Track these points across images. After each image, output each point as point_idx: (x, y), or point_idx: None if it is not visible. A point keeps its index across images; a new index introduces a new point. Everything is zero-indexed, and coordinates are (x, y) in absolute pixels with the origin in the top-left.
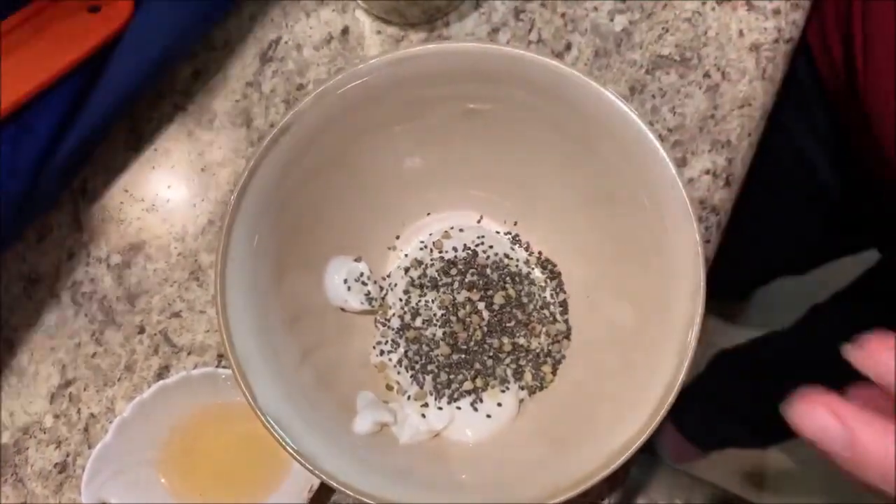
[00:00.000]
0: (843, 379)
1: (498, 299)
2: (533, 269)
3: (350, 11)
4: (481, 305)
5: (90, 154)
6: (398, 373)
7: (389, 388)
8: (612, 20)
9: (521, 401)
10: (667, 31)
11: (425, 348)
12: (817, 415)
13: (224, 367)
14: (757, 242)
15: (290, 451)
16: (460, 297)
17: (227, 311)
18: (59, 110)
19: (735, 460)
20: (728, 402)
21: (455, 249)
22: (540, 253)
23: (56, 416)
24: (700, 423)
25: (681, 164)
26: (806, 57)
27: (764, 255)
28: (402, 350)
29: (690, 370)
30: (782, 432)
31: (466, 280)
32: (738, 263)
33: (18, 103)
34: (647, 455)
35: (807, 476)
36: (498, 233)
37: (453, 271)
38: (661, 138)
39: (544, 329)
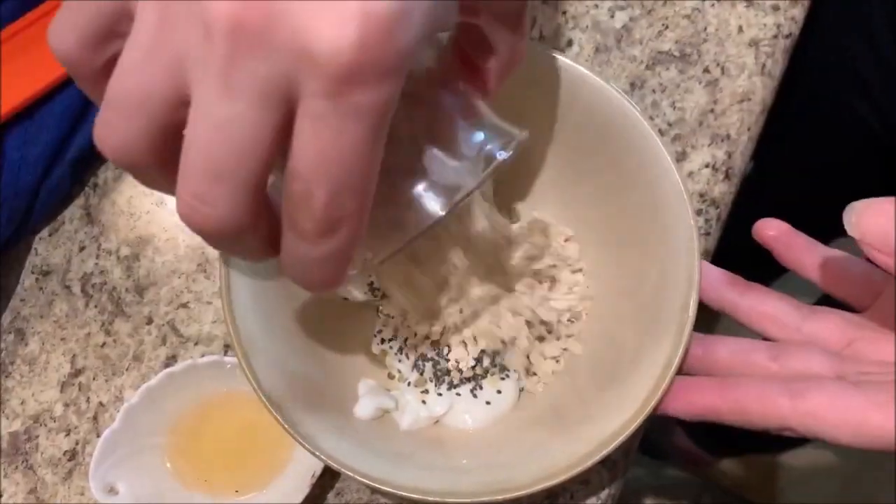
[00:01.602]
0: None
1: None
2: None
3: None
4: None
5: None
6: (399, 360)
7: (391, 376)
8: (612, 17)
9: (522, 389)
10: (666, 27)
11: None
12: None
13: (230, 356)
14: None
15: (292, 433)
16: None
17: (232, 295)
18: (71, 106)
19: (746, 463)
20: None
21: None
22: None
23: (66, 405)
24: (711, 429)
25: (681, 157)
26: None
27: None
28: (402, 338)
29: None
30: (794, 437)
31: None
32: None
33: (28, 101)
34: (657, 459)
35: (820, 481)
36: None
37: None
38: (661, 132)
39: None
